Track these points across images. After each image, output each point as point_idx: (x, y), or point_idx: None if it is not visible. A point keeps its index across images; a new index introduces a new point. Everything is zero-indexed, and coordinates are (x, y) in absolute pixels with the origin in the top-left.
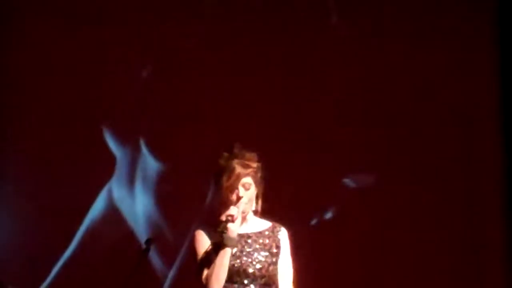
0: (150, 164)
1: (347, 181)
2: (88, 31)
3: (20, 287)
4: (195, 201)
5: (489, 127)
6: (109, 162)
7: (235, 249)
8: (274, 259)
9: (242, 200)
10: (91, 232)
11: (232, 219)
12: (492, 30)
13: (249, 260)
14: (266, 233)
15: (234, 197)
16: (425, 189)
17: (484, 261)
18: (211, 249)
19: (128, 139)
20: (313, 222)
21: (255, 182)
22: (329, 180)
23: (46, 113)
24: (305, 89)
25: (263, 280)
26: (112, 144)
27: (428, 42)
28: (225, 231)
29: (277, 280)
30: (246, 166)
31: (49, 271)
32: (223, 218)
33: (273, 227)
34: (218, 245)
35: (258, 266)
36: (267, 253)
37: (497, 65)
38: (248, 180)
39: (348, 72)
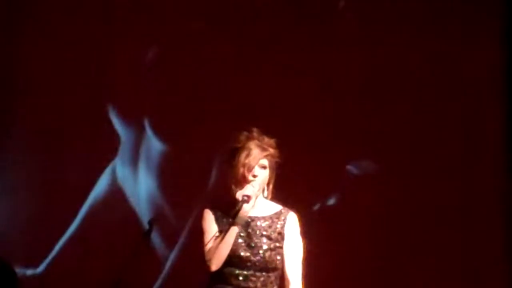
0: (154, 145)
1: (350, 167)
2: (95, 11)
3: (22, 264)
4: (197, 183)
5: (492, 116)
6: (114, 141)
7: (241, 235)
8: (273, 245)
9: (257, 179)
10: (94, 211)
11: (248, 199)
12: (500, 18)
13: (249, 245)
14: (271, 218)
15: (250, 175)
16: (427, 176)
17: (485, 241)
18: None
19: (133, 120)
20: (316, 207)
21: (270, 167)
22: (332, 166)
23: (52, 91)
24: (310, 75)
25: (260, 265)
26: (117, 124)
27: (434, 27)
28: (239, 209)
29: (276, 265)
30: (264, 150)
31: (51, 249)
32: (239, 197)
33: (280, 213)
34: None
35: (254, 251)
36: (266, 239)
37: (504, 52)
38: (264, 162)
39: (354, 58)
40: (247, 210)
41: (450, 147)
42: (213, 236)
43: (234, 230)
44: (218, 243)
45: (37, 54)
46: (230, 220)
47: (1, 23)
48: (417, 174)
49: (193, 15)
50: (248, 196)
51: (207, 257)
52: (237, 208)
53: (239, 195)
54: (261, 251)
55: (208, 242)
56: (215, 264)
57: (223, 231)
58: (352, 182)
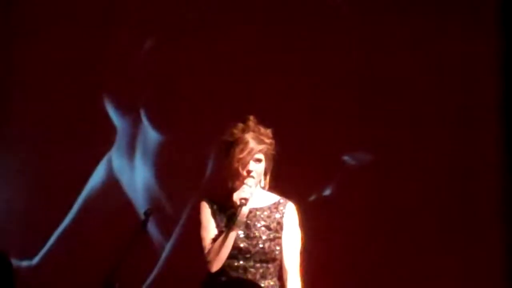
0: (150, 135)
1: (346, 158)
2: (91, 0)
3: (17, 256)
4: (194, 174)
5: (490, 107)
6: (110, 132)
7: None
8: (272, 235)
9: (252, 175)
10: (90, 201)
11: (245, 202)
12: (496, 12)
13: (248, 236)
14: (269, 208)
15: (244, 171)
16: (424, 168)
17: (483, 233)
18: (218, 229)
19: (129, 110)
20: (311, 198)
21: (266, 158)
22: (328, 157)
23: (48, 81)
24: (306, 66)
25: (259, 256)
26: (113, 114)
27: (431, 22)
28: (238, 214)
29: (276, 256)
30: (260, 142)
31: (47, 240)
32: (237, 201)
33: (278, 203)
34: (227, 226)
35: (253, 242)
36: (266, 229)
37: (502, 48)
38: (259, 156)
39: (350, 50)
40: (245, 212)
41: (446, 138)
42: (213, 235)
43: (233, 234)
44: (219, 245)
45: (32, 45)
46: (230, 223)
47: None
48: (413, 165)
49: (189, 5)
50: (246, 199)
51: (207, 259)
52: (237, 214)
53: (236, 198)
54: (260, 242)
55: (209, 241)
56: (216, 266)
57: (220, 225)
58: (348, 173)
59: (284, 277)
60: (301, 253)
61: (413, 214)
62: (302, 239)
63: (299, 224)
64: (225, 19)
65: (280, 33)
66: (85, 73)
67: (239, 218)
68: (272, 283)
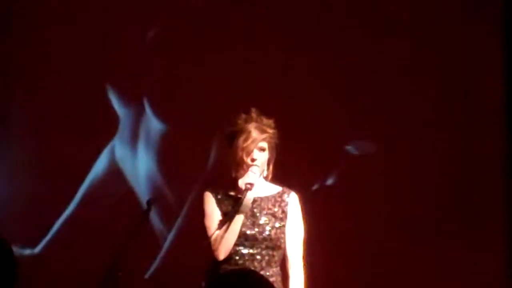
0: (153, 124)
1: (349, 148)
2: None
3: (20, 244)
4: (196, 163)
5: (493, 95)
6: (113, 121)
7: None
8: (277, 224)
9: (256, 163)
10: (93, 190)
11: (251, 187)
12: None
13: (254, 223)
14: (273, 197)
15: (248, 159)
16: (427, 157)
17: (485, 222)
18: (223, 217)
19: (132, 99)
20: (315, 187)
21: (269, 148)
22: (331, 146)
23: (51, 70)
24: (311, 54)
25: (265, 243)
26: (116, 103)
27: (434, 6)
28: (243, 198)
29: (281, 244)
30: (263, 131)
31: (50, 229)
32: (242, 186)
33: (282, 192)
34: (231, 211)
35: (260, 229)
36: (271, 217)
37: (503, 32)
38: (263, 144)
39: (351, 38)
40: (251, 198)
41: (450, 128)
42: (218, 223)
43: (239, 218)
44: (224, 231)
45: (35, 34)
46: (235, 208)
47: None
48: (417, 154)
49: None
50: (251, 184)
51: (214, 247)
52: (242, 197)
53: (241, 183)
54: (267, 229)
55: (214, 230)
56: (223, 253)
57: (226, 214)
58: (351, 162)
59: (287, 266)
60: (304, 243)
61: (415, 203)
62: (305, 229)
63: (302, 214)
64: (229, 8)
65: (283, 23)
66: (88, 62)
67: (244, 202)
68: (276, 271)
